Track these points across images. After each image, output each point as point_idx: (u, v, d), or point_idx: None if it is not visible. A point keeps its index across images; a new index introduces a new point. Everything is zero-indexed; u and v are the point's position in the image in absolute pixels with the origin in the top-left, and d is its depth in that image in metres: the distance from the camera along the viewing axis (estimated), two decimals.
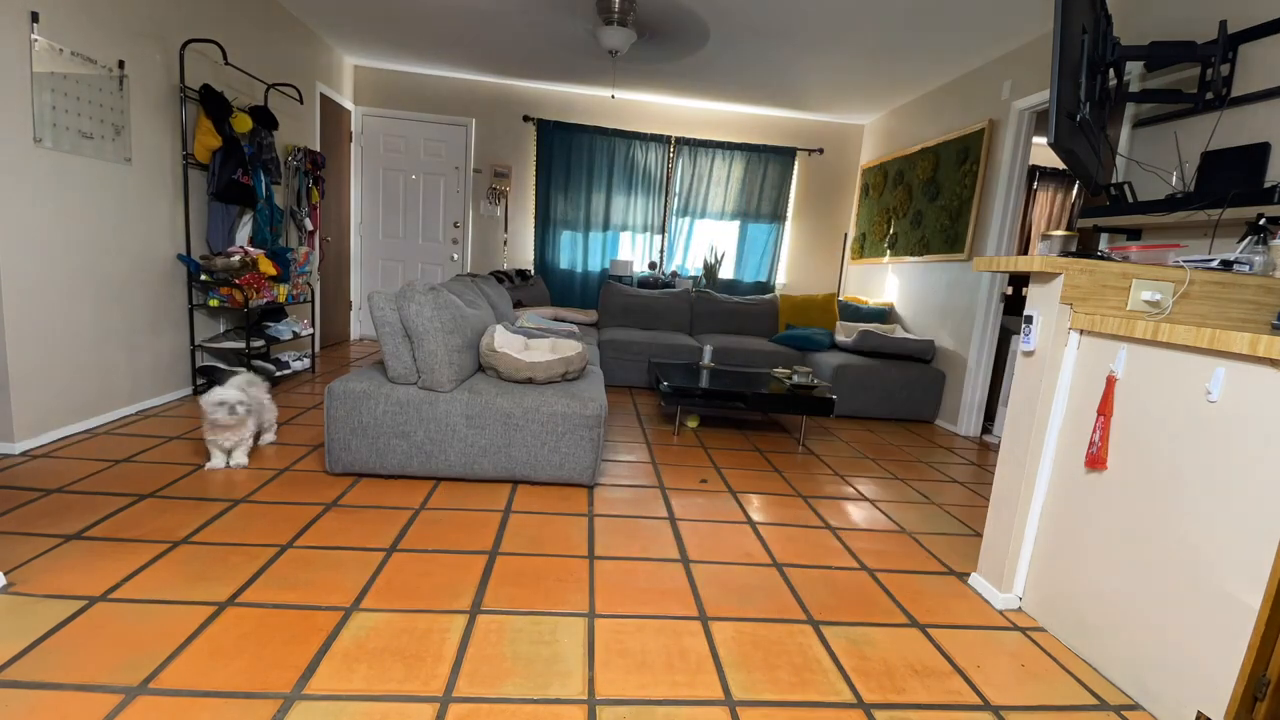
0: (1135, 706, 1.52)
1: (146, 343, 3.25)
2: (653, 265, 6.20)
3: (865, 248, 5.90)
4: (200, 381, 3.63)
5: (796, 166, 6.29)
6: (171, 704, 1.26)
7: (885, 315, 5.27)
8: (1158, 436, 1.53)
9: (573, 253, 6.20)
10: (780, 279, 6.51)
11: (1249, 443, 1.32)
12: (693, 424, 3.87)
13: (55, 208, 2.66)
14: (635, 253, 6.28)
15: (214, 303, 3.53)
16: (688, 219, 6.25)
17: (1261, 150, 2.36)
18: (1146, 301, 1.73)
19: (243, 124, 3.60)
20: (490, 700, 1.34)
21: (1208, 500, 1.40)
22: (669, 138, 6.05)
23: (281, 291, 3.86)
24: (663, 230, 6.25)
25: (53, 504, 2.11)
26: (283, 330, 3.99)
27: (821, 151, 6.25)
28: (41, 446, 2.63)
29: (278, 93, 4.31)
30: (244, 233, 3.78)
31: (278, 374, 3.97)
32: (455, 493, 2.48)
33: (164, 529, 1.99)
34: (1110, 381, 1.65)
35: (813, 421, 4.27)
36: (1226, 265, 1.84)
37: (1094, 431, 1.68)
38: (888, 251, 5.44)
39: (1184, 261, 1.83)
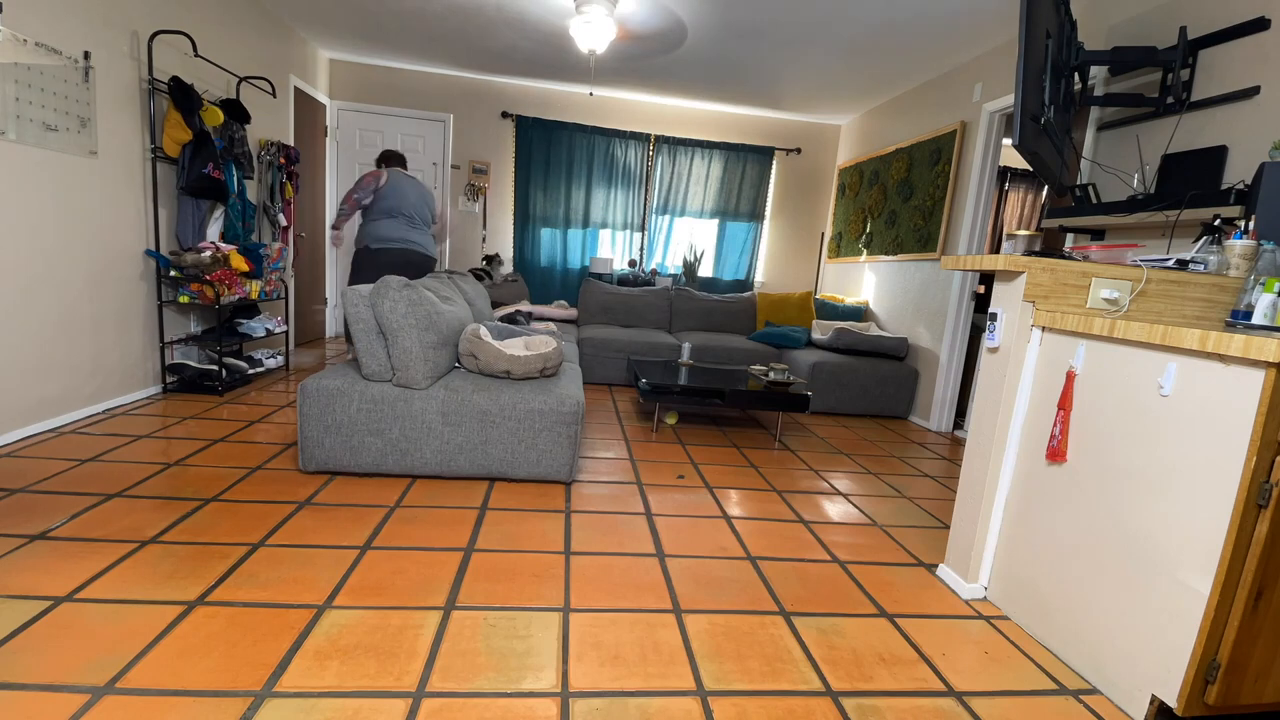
0: (1093, 691, 1.58)
1: (114, 340, 3.19)
2: (632, 263, 6.21)
3: (842, 246, 5.97)
4: (170, 379, 3.57)
5: (775, 166, 6.34)
6: (139, 703, 1.25)
7: (861, 313, 5.34)
8: (1114, 429, 1.58)
9: (552, 250, 6.19)
10: (759, 277, 6.56)
11: (1198, 434, 1.37)
12: (671, 420, 3.89)
13: (18, 202, 2.59)
14: (615, 250, 6.29)
15: (184, 299, 3.47)
16: (667, 217, 6.27)
17: (1219, 153, 2.44)
18: (1105, 299, 1.78)
19: (214, 117, 3.54)
20: (463, 695, 1.35)
21: (1160, 490, 1.46)
22: (649, 136, 6.07)
23: (254, 288, 3.80)
24: (642, 228, 6.27)
25: (17, 504, 2.06)
26: (255, 327, 3.93)
27: (799, 151, 6.31)
28: (4, 446, 2.57)
29: (250, 86, 4.24)
30: (215, 228, 3.72)
31: (250, 371, 3.91)
32: (431, 490, 2.47)
33: (132, 528, 1.96)
34: (1070, 377, 1.71)
35: (789, 418, 4.32)
36: (1182, 265, 1.91)
37: (1054, 425, 1.73)
38: (863, 250, 5.52)
39: (1141, 261, 1.89)
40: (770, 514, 2.54)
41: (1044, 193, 5.94)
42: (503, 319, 4.49)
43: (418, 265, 4.14)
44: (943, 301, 4.36)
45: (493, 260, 5.53)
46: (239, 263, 3.61)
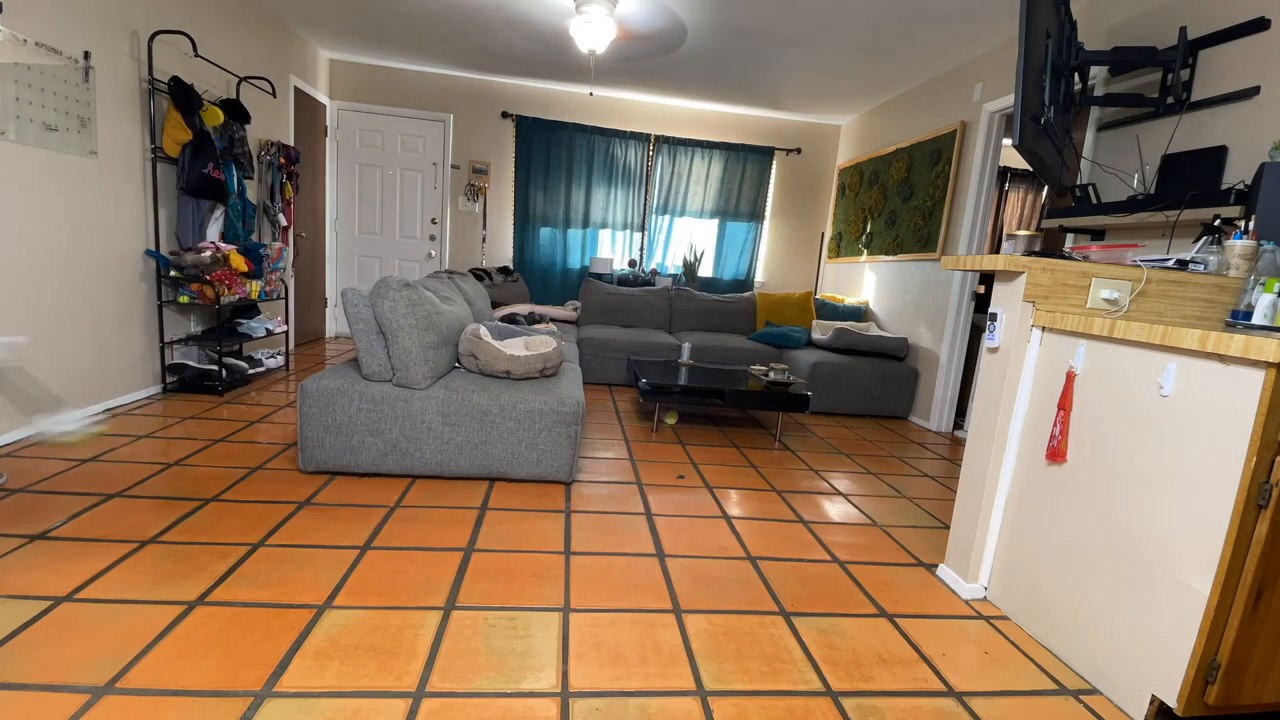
0: (1093, 691, 1.58)
1: (114, 340, 3.19)
2: (632, 263, 6.21)
3: (842, 247, 5.97)
4: (170, 379, 3.57)
5: (775, 166, 6.34)
6: (139, 703, 1.25)
7: (861, 313, 5.34)
8: (1114, 429, 1.58)
9: (552, 250, 6.19)
10: (759, 277, 6.56)
11: (1197, 434, 1.37)
12: (671, 420, 3.89)
13: (18, 202, 2.59)
14: (615, 250, 6.29)
15: (184, 299, 3.47)
16: (667, 217, 6.27)
17: (1219, 153, 2.44)
18: (1105, 299, 1.78)
19: (214, 117, 3.54)
20: (463, 695, 1.35)
21: (1160, 490, 1.46)
22: (649, 136, 6.06)
23: (254, 288, 3.80)
24: (642, 228, 6.27)
25: (17, 504, 2.06)
26: (255, 327, 3.93)
27: (799, 151, 6.31)
28: (4, 446, 2.57)
29: (250, 86, 4.24)
30: (215, 228, 3.72)
31: (250, 371, 3.91)
32: (431, 490, 2.47)
33: (132, 528, 1.96)
34: (1070, 377, 1.70)
35: (789, 418, 4.32)
36: (1182, 265, 1.90)
37: (1054, 425, 1.73)
38: (864, 250, 5.52)
39: (1142, 261, 1.89)
40: (770, 514, 2.54)
41: (1044, 193, 5.94)
42: (503, 319, 4.49)
43: None
44: (943, 301, 4.36)
45: (508, 271, 5.55)
46: (239, 263, 3.61)
